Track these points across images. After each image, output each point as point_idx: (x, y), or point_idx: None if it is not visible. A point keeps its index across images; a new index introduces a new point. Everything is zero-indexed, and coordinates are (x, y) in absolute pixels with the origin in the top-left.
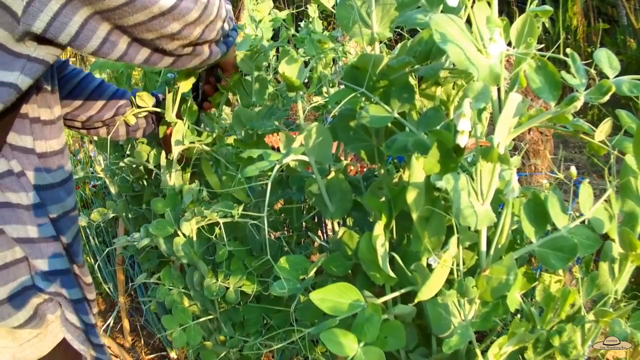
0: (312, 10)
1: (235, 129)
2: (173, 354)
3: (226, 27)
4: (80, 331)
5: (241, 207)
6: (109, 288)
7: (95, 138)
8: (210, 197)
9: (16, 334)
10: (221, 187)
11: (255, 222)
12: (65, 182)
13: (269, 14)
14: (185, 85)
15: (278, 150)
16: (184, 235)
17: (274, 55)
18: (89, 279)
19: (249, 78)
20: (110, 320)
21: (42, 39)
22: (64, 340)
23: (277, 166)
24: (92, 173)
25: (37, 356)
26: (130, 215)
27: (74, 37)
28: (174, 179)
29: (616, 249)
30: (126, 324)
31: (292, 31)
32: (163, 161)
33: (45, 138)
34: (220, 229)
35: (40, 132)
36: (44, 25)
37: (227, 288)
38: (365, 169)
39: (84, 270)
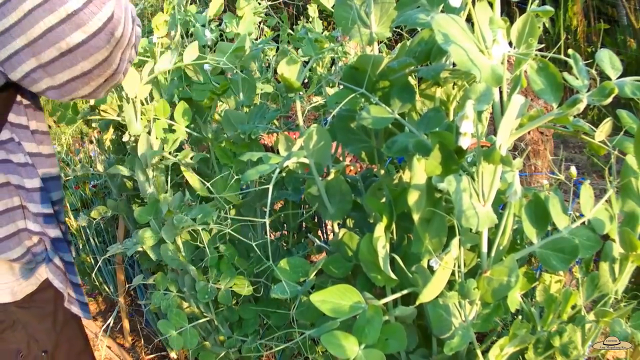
0: (312, 10)
1: (225, 131)
2: (173, 354)
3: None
4: (60, 271)
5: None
6: (109, 288)
7: (95, 138)
8: (197, 200)
9: (14, 269)
10: (213, 188)
11: (249, 222)
12: (51, 156)
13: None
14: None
15: (272, 149)
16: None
17: (274, 56)
18: (76, 279)
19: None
20: (110, 321)
21: None
22: (47, 279)
23: (278, 170)
24: (92, 173)
25: (30, 290)
26: (130, 215)
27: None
28: (152, 185)
29: (617, 249)
30: (126, 324)
31: (287, 30)
32: (141, 171)
33: (36, 119)
34: (209, 232)
35: (32, 115)
36: None
37: (219, 289)
38: (362, 168)
39: (72, 269)
